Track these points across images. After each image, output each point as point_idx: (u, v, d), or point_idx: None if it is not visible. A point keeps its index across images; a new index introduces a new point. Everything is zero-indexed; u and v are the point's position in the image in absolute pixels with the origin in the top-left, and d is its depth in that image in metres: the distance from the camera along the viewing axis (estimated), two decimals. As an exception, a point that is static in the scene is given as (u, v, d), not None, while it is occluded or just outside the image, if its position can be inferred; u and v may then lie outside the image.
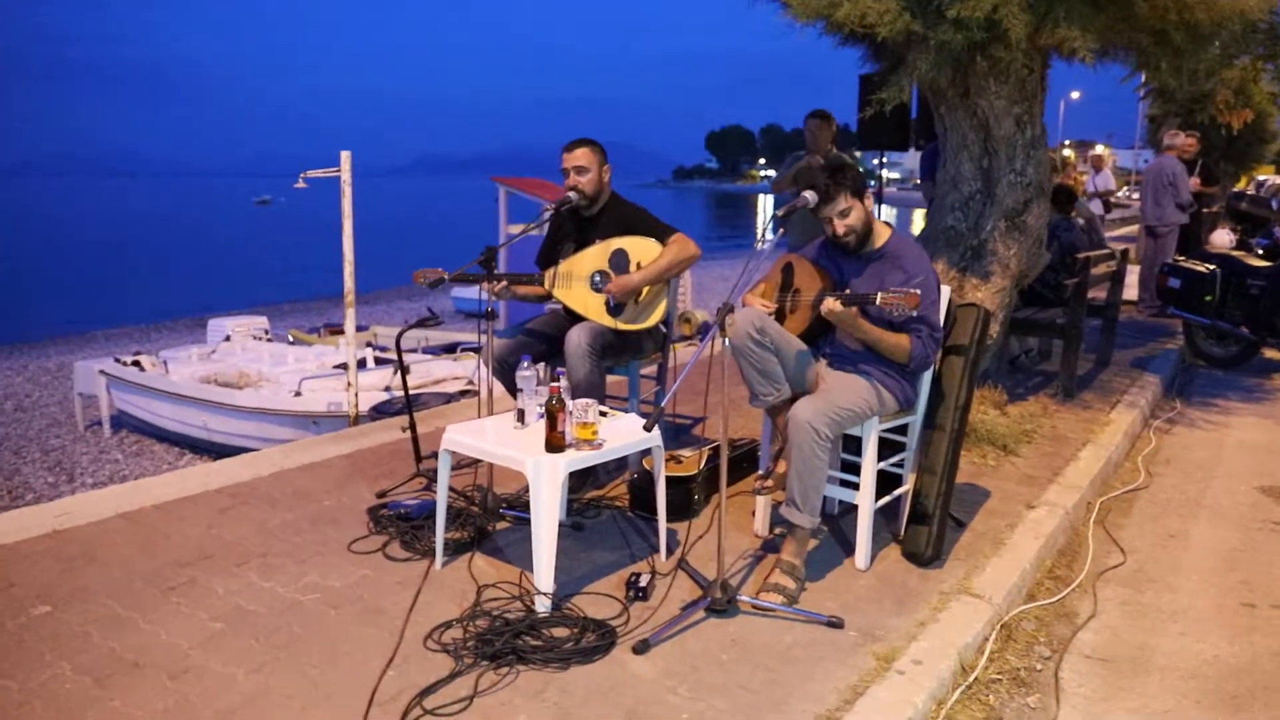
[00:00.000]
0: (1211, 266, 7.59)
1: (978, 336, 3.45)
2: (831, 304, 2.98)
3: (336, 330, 10.27)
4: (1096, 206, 13.95)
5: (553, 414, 2.88)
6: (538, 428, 3.08)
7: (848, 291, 3.11)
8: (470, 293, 19.56)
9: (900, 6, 4.11)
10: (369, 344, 8.96)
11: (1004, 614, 3.04)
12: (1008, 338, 6.01)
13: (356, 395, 5.13)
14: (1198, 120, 11.83)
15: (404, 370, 3.88)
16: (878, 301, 2.89)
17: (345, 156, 4.93)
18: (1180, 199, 9.53)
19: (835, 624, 2.82)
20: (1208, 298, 7.53)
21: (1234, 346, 7.73)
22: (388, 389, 7.24)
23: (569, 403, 2.95)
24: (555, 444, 2.90)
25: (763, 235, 2.89)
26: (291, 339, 10.12)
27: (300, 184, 5.40)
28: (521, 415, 3.16)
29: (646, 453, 4.15)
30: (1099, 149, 12.86)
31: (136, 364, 8.77)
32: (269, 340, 9.73)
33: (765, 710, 2.38)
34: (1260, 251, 8.76)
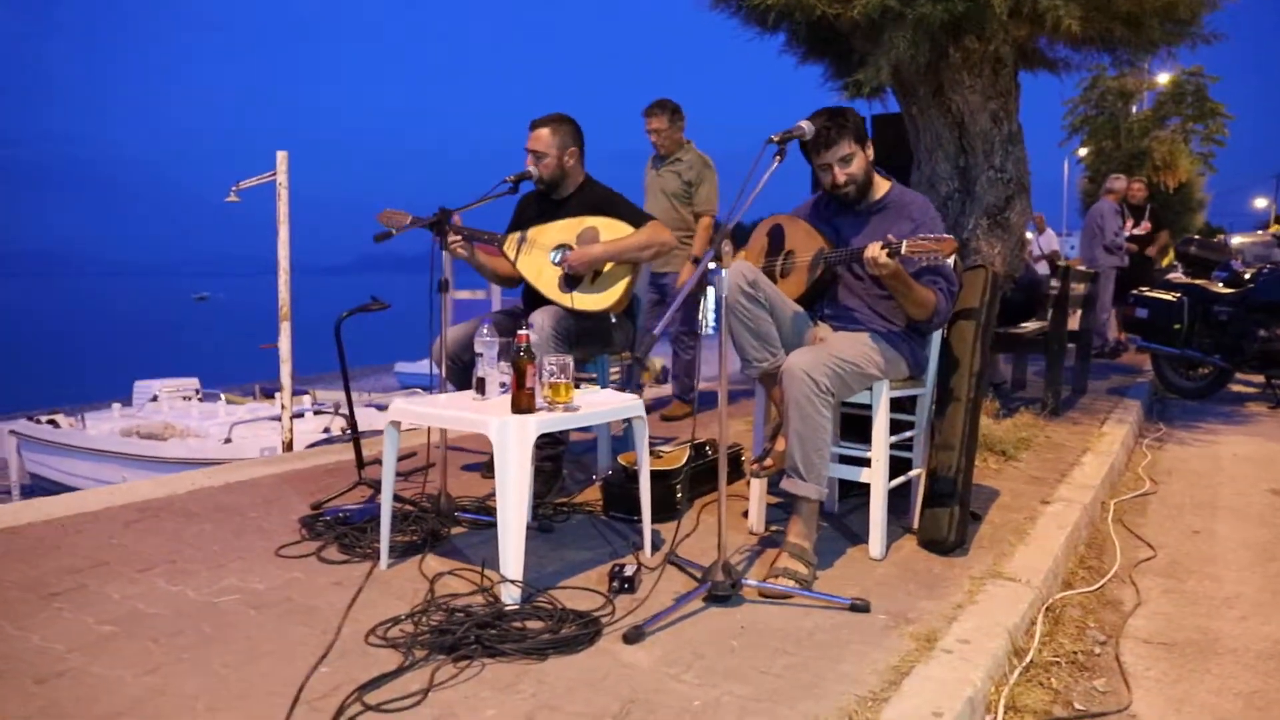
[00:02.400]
0: (1178, 295, 7.48)
1: (988, 299, 3.12)
2: (876, 250, 2.59)
3: (272, 390, 9.68)
4: (1043, 268, 14.07)
5: (521, 369, 2.46)
6: (501, 401, 2.65)
7: (891, 240, 2.72)
8: (417, 368, 18.94)
9: (876, -20, 3.90)
10: (307, 395, 8.39)
11: (1046, 598, 2.64)
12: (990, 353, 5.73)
13: (292, 420, 4.62)
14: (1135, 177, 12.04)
15: (343, 360, 3.42)
16: (904, 250, 2.54)
17: (281, 157, 4.54)
18: (1105, 241, 9.49)
19: (860, 607, 2.38)
20: (1176, 326, 7.39)
21: (1203, 378, 7.58)
22: (326, 430, 6.70)
23: (539, 357, 2.53)
24: (524, 404, 2.47)
25: (760, 156, 2.54)
26: (224, 399, 9.47)
27: (232, 197, 4.98)
28: (481, 385, 2.72)
29: (621, 450, 3.73)
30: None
31: (52, 423, 8.06)
32: (200, 400, 9.09)
33: (795, 694, 1.92)
34: (1220, 284, 8.74)
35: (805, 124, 2.68)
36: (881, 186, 3.00)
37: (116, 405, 8.59)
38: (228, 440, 6.84)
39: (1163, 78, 14.88)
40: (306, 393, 9.66)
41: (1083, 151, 15.26)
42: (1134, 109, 14.87)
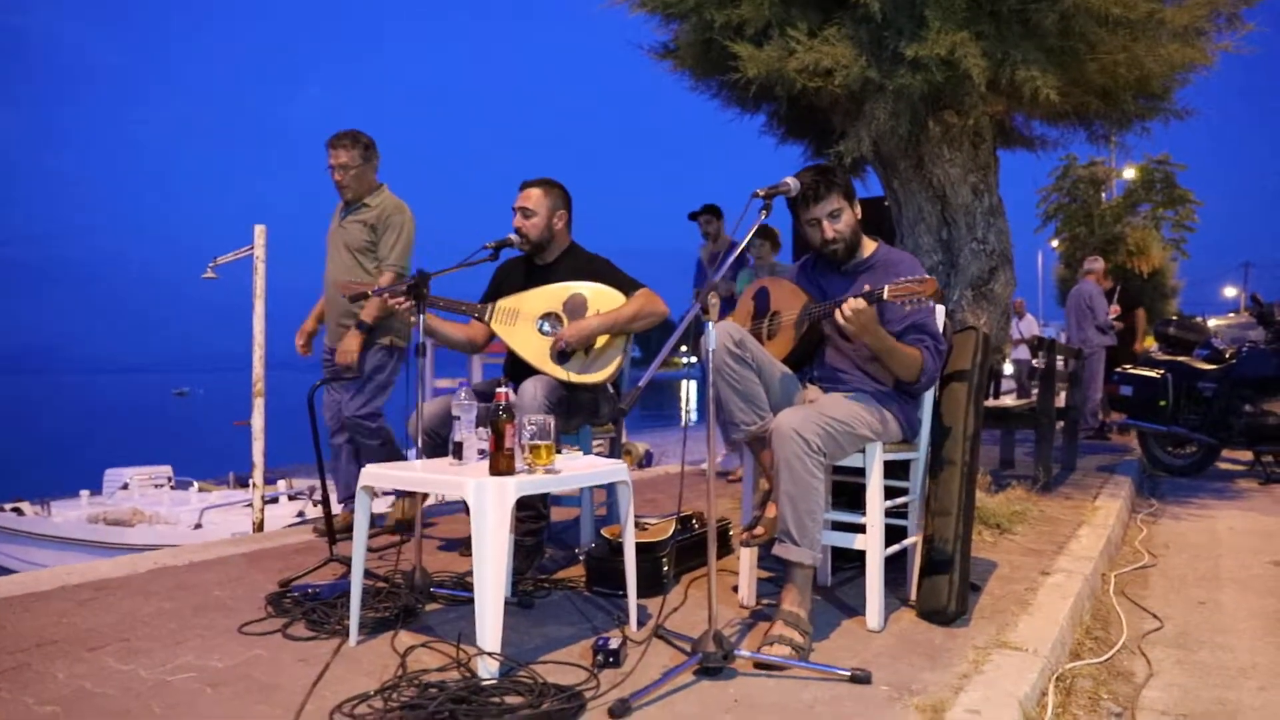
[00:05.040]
0: (1162, 372, 7.48)
1: (979, 360, 3.06)
2: (855, 303, 2.53)
3: (246, 479, 9.44)
4: (1023, 352, 14.13)
5: (500, 429, 2.35)
6: (479, 465, 2.54)
7: (865, 289, 2.64)
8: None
9: (855, 53, 3.95)
10: (282, 481, 8.19)
11: (1055, 668, 2.50)
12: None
13: (263, 499, 4.46)
14: (1109, 263, 12.22)
15: (315, 431, 3.30)
16: (886, 295, 2.48)
17: (259, 230, 4.49)
18: (1098, 321, 9.58)
19: (861, 678, 2.23)
20: (1162, 403, 7.38)
21: (1191, 455, 7.53)
22: (300, 514, 6.49)
23: (520, 417, 2.43)
24: (503, 466, 2.35)
25: (741, 216, 2.50)
26: (197, 486, 9.23)
27: (209, 274, 4.91)
28: (459, 450, 2.61)
29: (605, 523, 3.61)
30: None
31: (16, 510, 7.80)
32: (172, 488, 8.85)
33: (794, 769, 1.77)
34: (1202, 361, 8.76)
35: (790, 180, 2.65)
36: (869, 246, 2.96)
37: (85, 493, 8.33)
38: (198, 525, 6.63)
39: (1129, 173, 15.30)
40: (281, 479, 9.44)
41: (1054, 242, 15.56)
42: (1105, 196, 15.23)
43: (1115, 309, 10.49)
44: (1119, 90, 4.43)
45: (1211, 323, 16.09)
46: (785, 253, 6.26)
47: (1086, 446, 8.32)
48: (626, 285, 3.53)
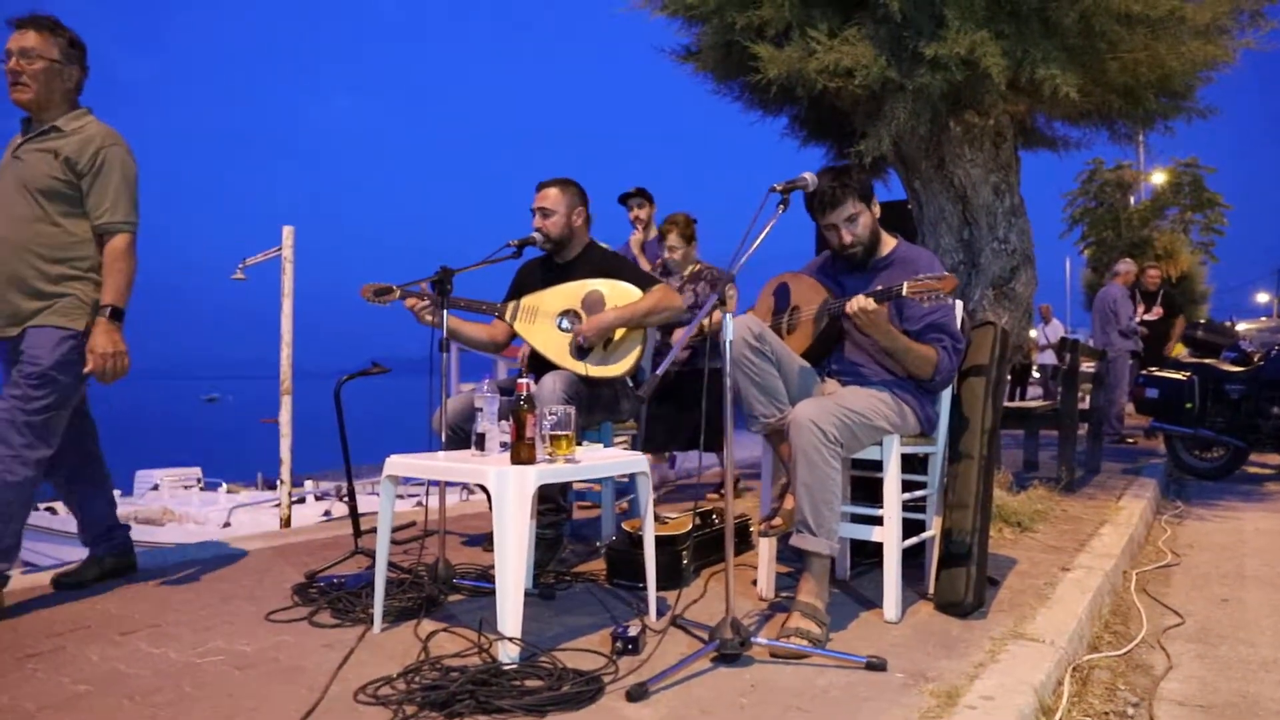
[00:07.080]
0: (1188, 374, 7.41)
1: (998, 356, 3.07)
2: (862, 300, 2.57)
3: (274, 480, 9.56)
4: (1049, 357, 14.02)
5: (521, 419, 2.39)
6: (501, 456, 2.58)
7: (877, 288, 2.67)
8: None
9: (875, 53, 3.97)
10: (309, 481, 8.30)
11: (1072, 659, 2.50)
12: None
13: (290, 496, 4.53)
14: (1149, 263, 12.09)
15: (341, 423, 3.36)
16: (905, 291, 2.50)
17: (288, 232, 4.57)
18: (1120, 326, 9.47)
19: (877, 665, 2.26)
20: (1188, 405, 7.30)
21: (1218, 459, 7.45)
22: (326, 513, 6.58)
23: (541, 407, 2.47)
24: (524, 456, 2.39)
25: (759, 210, 2.53)
26: (225, 487, 9.36)
27: (239, 275, 5.01)
28: (481, 441, 2.65)
29: (626, 516, 3.64)
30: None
31: (51, 510, 7.95)
32: (201, 489, 8.98)
33: (808, 750, 1.80)
34: (1229, 364, 8.67)
35: (809, 175, 2.67)
36: (888, 243, 2.98)
37: (116, 494, 8.45)
38: (226, 524, 6.74)
39: (1158, 176, 15.17)
40: (309, 480, 9.55)
41: (1080, 245, 15.47)
42: (1132, 200, 15.11)
43: (1159, 311, 10.37)
44: (1140, 89, 4.42)
45: (1240, 326, 15.89)
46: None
47: (1111, 451, 8.26)
48: (644, 282, 3.58)
